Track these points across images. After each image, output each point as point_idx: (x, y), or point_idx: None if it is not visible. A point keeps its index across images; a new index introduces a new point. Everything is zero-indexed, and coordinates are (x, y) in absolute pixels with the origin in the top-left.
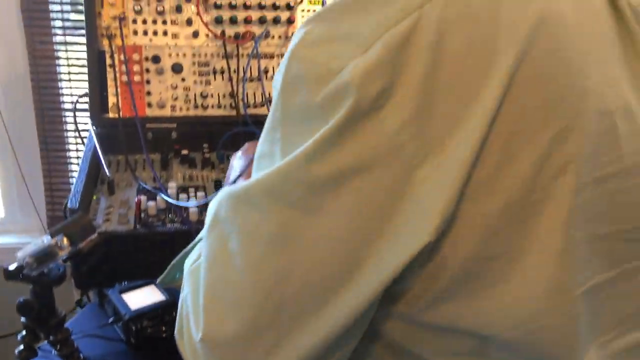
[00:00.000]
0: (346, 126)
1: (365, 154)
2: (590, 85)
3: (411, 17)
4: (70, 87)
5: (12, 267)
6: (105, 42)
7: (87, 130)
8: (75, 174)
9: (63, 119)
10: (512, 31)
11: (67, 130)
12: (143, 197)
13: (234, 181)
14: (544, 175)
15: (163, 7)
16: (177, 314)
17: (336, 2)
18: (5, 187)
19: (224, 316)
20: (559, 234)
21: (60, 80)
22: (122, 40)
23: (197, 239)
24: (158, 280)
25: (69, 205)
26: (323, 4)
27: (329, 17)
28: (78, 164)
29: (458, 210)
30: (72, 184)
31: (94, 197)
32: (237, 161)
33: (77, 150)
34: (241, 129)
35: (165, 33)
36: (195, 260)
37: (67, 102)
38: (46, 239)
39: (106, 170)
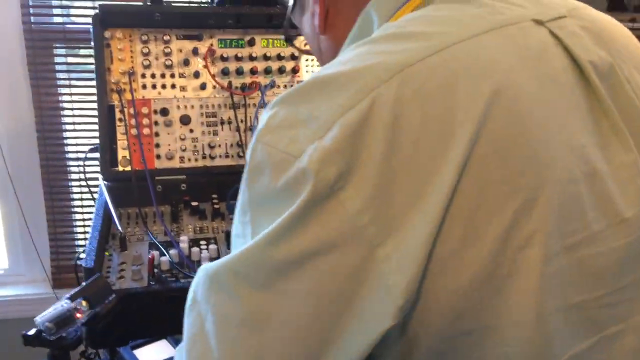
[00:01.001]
0: (307, 210)
1: (327, 235)
2: (553, 155)
3: (367, 99)
4: (76, 137)
5: (31, 332)
6: (115, 96)
7: (96, 179)
8: (78, 223)
9: (67, 169)
10: (467, 108)
11: (71, 180)
12: (156, 253)
13: None
14: (510, 247)
15: (171, 61)
16: None
17: (298, 86)
18: (10, 238)
19: None
20: (532, 306)
21: (65, 130)
22: (132, 94)
23: None
24: None
25: (84, 264)
26: None
27: (291, 101)
28: (82, 213)
29: (423, 287)
30: (76, 233)
31: (107, 253)
32: None
33: (81, 199)
34: None
35: (173, 86)
36: None
37: (71, 152)
38: (65, 303)
39: (118, 227)
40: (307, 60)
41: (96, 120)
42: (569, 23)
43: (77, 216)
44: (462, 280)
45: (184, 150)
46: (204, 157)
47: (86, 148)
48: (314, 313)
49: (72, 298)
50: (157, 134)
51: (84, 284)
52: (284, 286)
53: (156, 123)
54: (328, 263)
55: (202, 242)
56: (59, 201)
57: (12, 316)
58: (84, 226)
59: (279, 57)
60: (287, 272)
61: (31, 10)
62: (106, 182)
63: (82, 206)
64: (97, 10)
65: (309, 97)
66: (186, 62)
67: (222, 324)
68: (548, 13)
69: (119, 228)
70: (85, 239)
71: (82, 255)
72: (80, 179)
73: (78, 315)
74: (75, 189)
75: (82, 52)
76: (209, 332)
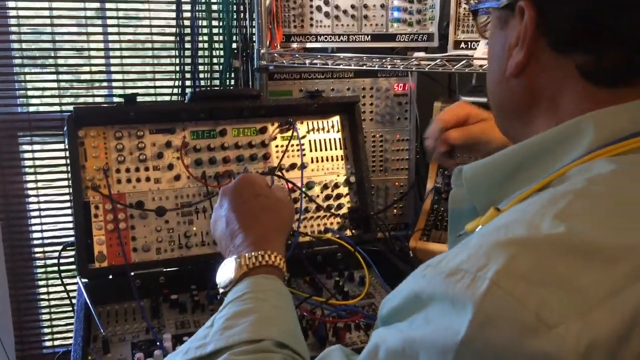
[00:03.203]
0: None
1: None
2: None
3: (636, 286)
4: (41, 224)
5: None
6: (91, 192)
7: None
8: (44, 311)
9: (32, 256)
10: None
11: (36, 267)
12: (140, 355)
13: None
14: None
15: (145, 155)
16: None
17: (548, 234)
18: None
19: None
20: None
21: (30, 217)
22: (109, 190)
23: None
24: None
25: None
26: (290, 140)
27: (542, 250)
28: (49, 300)
29: None
30: (43, 321)
31: (89, 358)
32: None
33: (47, 285)
34: None
35: (147, 179)
36: None
37: (36, 239)
38: None
39: (101, 329)
40: (277, 146)
41: (62, 205)
42: None
43: (44, 303)
44: None
45: (160, 242)
46: (180, 247)
47: (51, 234)
48: None
49: None
50: (132, 227)
51: None
52: None
53: (131, 216)
54: None
55: (185, 339)
56: (24, 289)
57: None
58: (49, 313)
59: (250, 145)
60: None
61: None
62: (83, 280)
63: (47, 293)
64: (71, 112)
65: (565, 256)
66: (160, 155)
67: None
68: None
69: (102, 330)
70: (51, 326)
71: (48, 343)
72: (45, 266)
73: None
74: (40, 276)
75: (48, 139)
76: None
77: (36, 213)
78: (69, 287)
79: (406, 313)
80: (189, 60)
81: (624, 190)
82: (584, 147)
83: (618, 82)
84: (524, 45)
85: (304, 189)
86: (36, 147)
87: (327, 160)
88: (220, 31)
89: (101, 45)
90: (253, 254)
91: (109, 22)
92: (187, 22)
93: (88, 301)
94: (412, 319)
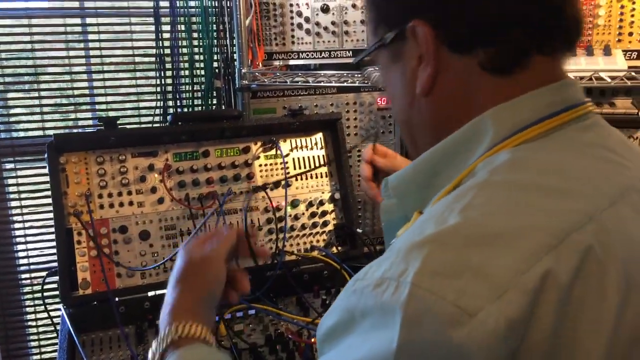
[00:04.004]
0: None
1: None
2: None
3: (539, 265)
4: (27, 249)
5: None
6: (73, 219)
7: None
8: (33, 337)
9: (19, 283)
10: (616, 289)
11: (23, 294)
12: None
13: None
14: None
15: (128, 179)
16: None
17: (452, 229)
18: None
19: None
20: None
21: (16, 244)
22: (91, 216)
23: None
24: None
25: None
26: (274, 159)
27: (452, 244)
28: (37, 327)
29: None
30: (31, 348)
31: None
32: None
33: (35, 312)
34: None
35: (130, 203)
36: None
37: (23, 265)
38: None
39: (85, 359)
40: (260, 165)
41: (47, 230)
42: None
43: (32, 330)
44: None
45: (144, 266)
46: (165, 271)
47: (38, 260)
48: None
49: None
50: (116, 252)
51: None
52: None
53: (115, 241)
54: None
55: None
56: (11, 316)
57: None
58: (38, 340)
59: (234, 165)
60: None
61: None
62: (67, 308)
63: (35, 319)
64: (52, 139)
65: (474, 246)
66: (142, 179)
67: None
68: None
69: None
70: (40, 353)
71: None
72: (33, 292)
73: None
74: (28, 303)
75: (32, 164)
76: None
77: (22, 239)
78: (55, 314)
79: (342, 332)
80: (170, 81)
81: (517, 177)
82: (488, 142)
83: (514, 67)
84: (430, 57)
85: (289, 207)
86: (20, 172)
87: (312, 177)
88: (201, 51)
89: (83, 69)
90: (165, 332)
91: (91, 45)
92: (167, 43)
93: (71, 330)
94: (351, 341)
